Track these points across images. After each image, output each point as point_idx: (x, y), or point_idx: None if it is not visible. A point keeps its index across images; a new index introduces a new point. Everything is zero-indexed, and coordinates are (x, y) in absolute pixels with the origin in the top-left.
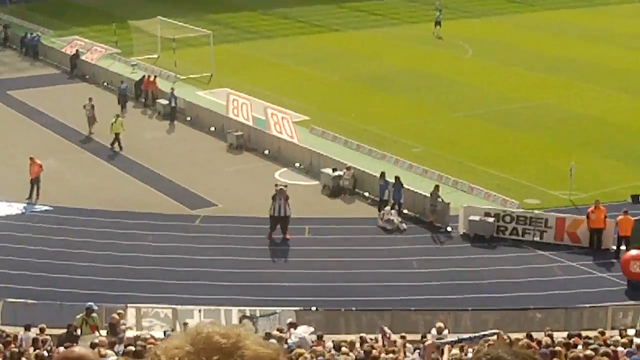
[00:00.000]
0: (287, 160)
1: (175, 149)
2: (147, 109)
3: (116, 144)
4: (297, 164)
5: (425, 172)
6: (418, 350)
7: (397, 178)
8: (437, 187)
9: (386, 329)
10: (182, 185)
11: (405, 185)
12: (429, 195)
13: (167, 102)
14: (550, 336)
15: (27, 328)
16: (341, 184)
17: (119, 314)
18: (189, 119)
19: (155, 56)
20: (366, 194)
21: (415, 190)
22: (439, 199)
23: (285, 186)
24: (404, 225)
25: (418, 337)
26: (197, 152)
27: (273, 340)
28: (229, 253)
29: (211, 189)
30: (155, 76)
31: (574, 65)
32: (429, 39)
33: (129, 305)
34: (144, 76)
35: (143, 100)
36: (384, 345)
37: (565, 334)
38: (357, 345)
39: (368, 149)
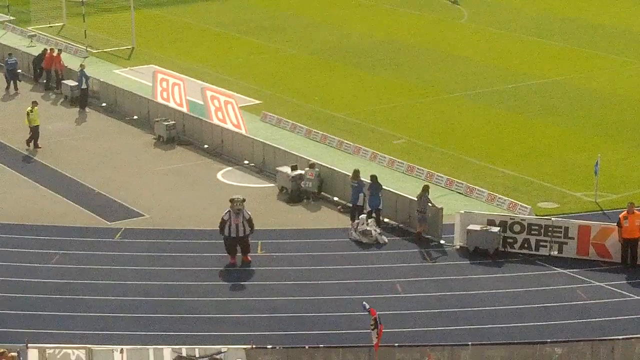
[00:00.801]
0: (233, 157)
1: (88, 144)
2: (50, 93)
3: (32, 142)
4: (246, 162)
5: (411, 169)
6: None
7: (373, 178)
8: (426, 188)
9: None
10: (97, 191)
11: (385, 187)
12: (415, 199)
13: (75, 83)
14: None
15: None
16: (303, 187)
17: (12, 356)
18: (104, 104)
19: (60, 24)
20: (335, 198)
21: (398, 193)
22: (429, 204)
23: (244, 200)
24: (384, 238)
25: None
26: (116, 148)
27: None
28: (158, 276)
29: (135, 195)
30: (59, 50)
31: (598, 32)
32: (413, 0)
33: (29, 345)
34: (45, 50)
35: (44, 81)
36: None
37: None
38: None
39: (337, 140)
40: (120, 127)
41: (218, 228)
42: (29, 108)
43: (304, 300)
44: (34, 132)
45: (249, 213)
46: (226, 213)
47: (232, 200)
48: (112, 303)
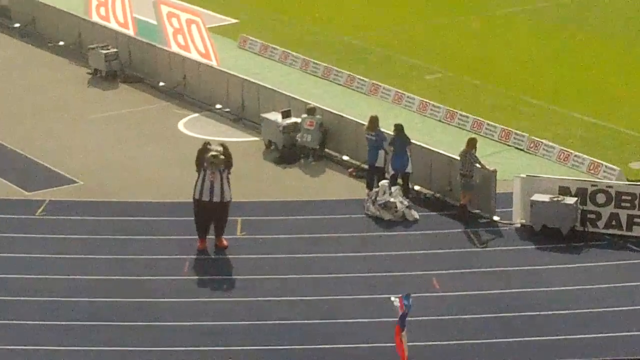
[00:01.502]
0: (200, 99)
1: None
2: None
3: None
4: (218, 106)
5: (451, 115)
6: None
7: (399, 128)
8: (472, 142)
9: None
10: (11, 149)
11: (414, 141)
12: (457, 157)
13: None
14: None
15: None
16: (299, 141)
17: None
18: (17, 25)
19: None
20: (345, 157)
21: (433, 150)
22: (477, 165)
23: (222, 152)
24: (415, 214)
25: None
26: (34, 87)
27: None
28: (96, 269)
29: (63, 153)
30: None
31: None
32: None
33: None
34: None
35: None
36: None
37: None
38: None
39: (346, 75)
40: (40, 57)
41: (196, 164)
42: None
43: (301, 302)
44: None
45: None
46: (198, 159)
47: (207, 146)
48: (31, 307)
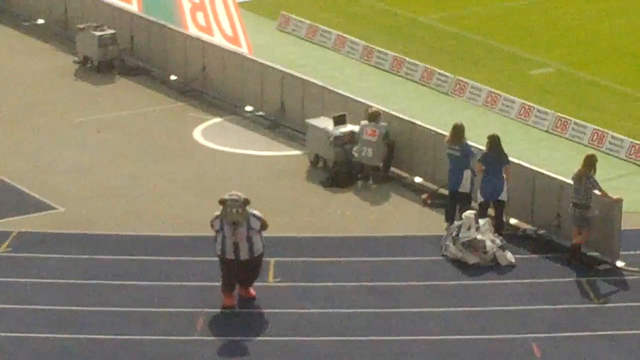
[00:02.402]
0: (224, 99)
1: None
2: None
3: None
4: (249, 108)
5: (563, 124)
6: None
7: (494, 141)
8: (590, 162)
9: None
10: None
11: (512, 158)
12: (571, 181)
13: None
14: None
15: None
16: (356, 156)
17: None
18: None
19: None
20: (417, 179)
21: (536, 170)
22: (596, 191)
23: (246, 202)
24: (510, 256)
25: None
26: (5, 80)
27: None
28: (81, 325)
29: (40, 171)
30: None
31: None
32: None
33: None
34: None
35: None
36: None
37: None
38: None
39: (422, 68)
40: (12, 40)
41: (210, 228)
42: None
43: None
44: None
45: (259, 216)
46: (215, 218)
47: (223, 203)
48: None
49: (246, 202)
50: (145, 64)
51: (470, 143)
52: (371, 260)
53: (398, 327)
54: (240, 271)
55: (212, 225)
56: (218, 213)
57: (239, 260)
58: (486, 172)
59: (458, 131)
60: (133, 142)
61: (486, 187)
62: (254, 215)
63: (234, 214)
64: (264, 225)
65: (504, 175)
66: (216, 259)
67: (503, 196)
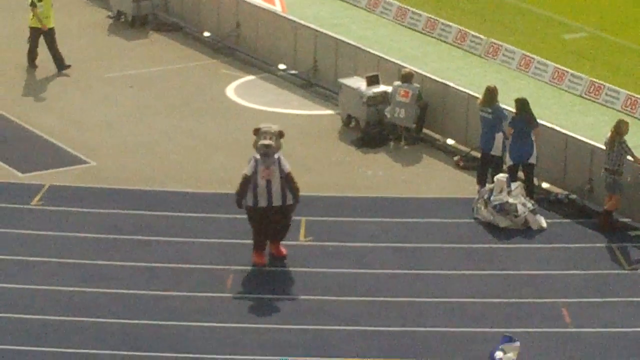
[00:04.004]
0: (257, 56)
1: None
2: None
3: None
4: (282, 66)
5: (595, 89)
6: None
7: (522, 104)
8: (622, 126)
9: None
10: (3, 116)
11: (543, 122)
12: (603, 146)
13: None
14: None
15: None
16: (389, 117)
17: None
18: None
19: None
20: (449, 141)
21: (568, 134)
22: (629, 157)
23: (280, 134)
24: (541, 220)
25: None
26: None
27: None
28: (112, 279)
29: (72, 124)
30: None
31: None
32: None
33: None
34: None
35: None
36: None
37: None
38: None
39: (455, 30)
40: None
41: (235, 193)
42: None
43: (380, 334)
44: (41, 38)
45: (288, 166)
46: (250, 163)
47: (257, 132)
48: (25, 325)
49: (280, 133)
50: (179, 20)
51: (503, 106)
52: (402, 221)
53: (426, 289)
54: (272, 221)
55: (244, 175)
56: (251, 158)
57: (271, 206)
58: (515, 136)
59: (491, 94)
60: (165, 99)
61: (515, 150)
62: (285, 162)
63: (267, 141)
64: (291, 179)
65: (533, 138)
66: (246, 216)
67: (532, 159)
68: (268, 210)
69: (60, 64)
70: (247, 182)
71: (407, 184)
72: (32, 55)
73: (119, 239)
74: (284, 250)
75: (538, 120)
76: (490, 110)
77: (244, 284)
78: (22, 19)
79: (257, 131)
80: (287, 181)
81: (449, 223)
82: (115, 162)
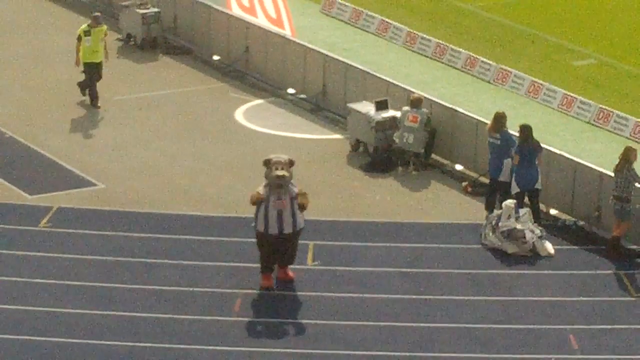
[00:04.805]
0: (268, 80)
1: None
2: None
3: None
4: (291, 90)
5: (604, 116)
6: None
7: (526, 131)
8: (630, 153)
9: None
10: (12, 138)
11: (551, 149)
12: (611, 173)
13: None
14: None
15: None
16: (397, 142)
17: None
18: None
19: None
20: (457, 167)
21: (577, 161)
22: (637, 184)
23: (291, 163)
24: (549, 247)
25: None
26: (46, 56)
27: None
28: (119, 303)
29: (80, 147)
30: None
31: None
32: None
33: None
34: None
35: None
36: None
37: None
38: None
39: (465, 56)
40: (53, 15)
41: (252, 204)
42: (84, 27)
43: (391, 358)
44: (91, 74)
45: (296, 188)
46: (264, 186)
47: (268, 163)
48: (31, 347)
49: (291, 162)
50: (188, 44)
51: (511, 132)
52: (409, 246)
53: (434, 314)
54: (281, 247)
55: (254, 199)
56: (262, 186)
57: (282, 234)
58: (521, 162)
59: (499, 120)
60: (174, 122)
61: (522, 177)
62: (294, 187)
63: (279, 172)
64: (305, 204)
65: (538, 164)
66: (253, 240)
67: (538, 185)
68: (279, 237)
69: (94, 101)
70: (259, 203)
71: (415, 209)
72: (84, 86)
73: (126, 261)
74: (291, 274)
75: (542, 145)
76: (498, 136)
77: (251, 307)
78: (40, 40)
79: (267, 162)
80: (298, 205)
81: (457, 248)
82: (123, 184)
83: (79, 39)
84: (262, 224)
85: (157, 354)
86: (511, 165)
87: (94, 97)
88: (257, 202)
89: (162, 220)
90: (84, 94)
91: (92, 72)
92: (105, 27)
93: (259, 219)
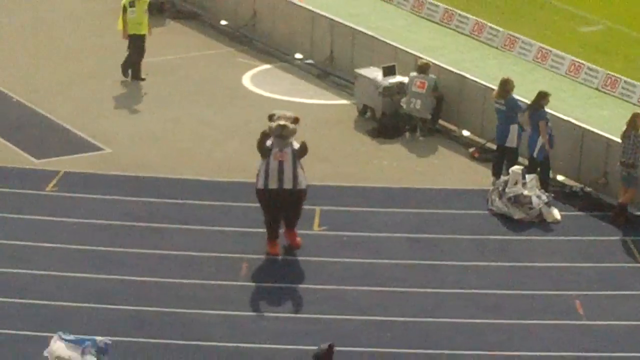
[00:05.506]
0: (274, 45)
1: None
2: None
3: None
4: (299, 55)
5: (612, 82)
6: None
7: (540, 97)
8: (637, 119)
9: None
10: (19, 102)
11: (558, 115)
12: (618, 140)
13: None
14: None
15: None
16: (405, 107)
17: None
18: None
19: None
20: (465, 132)
21: (585, 127)
22: None
23: (295, 120)
24: (556, 213)
25: None
26: (55, 20)
27: None
28: (125, 267)
29: (87, 111)
30: None
31: None
32: None
33: None
34: None
35: None
36: None
37: None
38: None
39: (472, 21)
40: None
41: (257, 147)
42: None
43: (393, 324)
44: (135, 50)
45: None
46: (265, 136)
47: (272, 117)
48: (37, 310)
49: (296, 119)
50: (196, 8)
51: (518, 97)
52: (416, 212)
53: (440, 279)
54: (282, 205)
55: (260, 146)
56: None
57: (282, 188)
58: (532, 128)
59: (504, 85)
60: (181, 87)
61: (533, 142)
62: (295, 142)
63: (281, 122)
64: (304, 148)
65: (551, 129)
66: (258, 205)
67: (550, 149)
68: (278, 192)
69: (136, 74)
70: (266, 137)
71: (422, 174)
72: (127, 65)
73: (132, 226)
74: (299, 240)
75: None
76: (503, 102)
77: (257, 272)
78: (42, 9)
79: (271, 116)
80: (299, 155)
81: (464, 214)
82: (130, 149)
83: (124, 9)
84: (262, 179)
85: (163, 318)
86: (518, 131)
87: (138, 72)
88: (261, 137)
89: (168, 185)
90: (125, 75)
91: (137, 44)
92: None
93: (260, 176)
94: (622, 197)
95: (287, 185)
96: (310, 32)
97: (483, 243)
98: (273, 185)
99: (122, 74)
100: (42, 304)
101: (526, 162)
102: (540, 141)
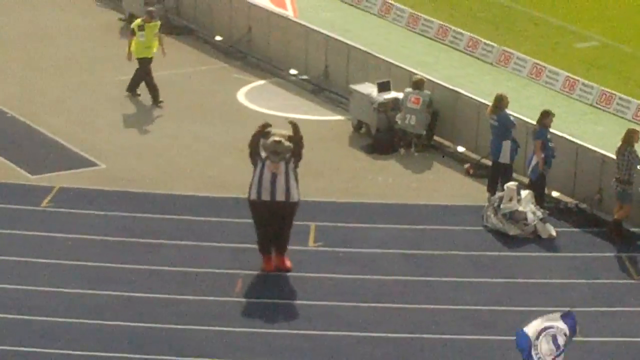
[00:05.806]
0: (270, 61)
1: None
2: None
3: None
4: (293, 71)
5: (607, 99)
6: None
7: (542, 115)
8: (632, 135)
9: None
10: (13, 118)
11: (553, 131)
12: (613, 156)
13: None
14: None
15: None
16: (399, 123)
17: None
18: None
19: None
20: (460, 148)
21: (579, 143)
22: (638, 166)
23: (289, 139)
24: (550, 229)
25: None
26: (49, 36)
27: None
28: (120, 283)
29: (82, 127)
30: None
31: None
32: None
33: None
34: None
35: None
36: None
37: None
38: None
39: (467, 38)
40: None
41: (249, 146)
42: (139, 20)
43: (388, 340)
44: (142, 73)
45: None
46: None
47: (267, 134)
48: (32, 327)
49: (290, 138)
50: (191, 24)
51: (512, 113)
52: (411, 228)
53: (435, 296)
54: (274, 219)
55: (252, 154)
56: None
57: (274, 201)
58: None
59: (498, 101)
60: (176, 102)
61: (528, 159)
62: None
63: (277, 139)
64: (299, 144)
65: (551, 146)
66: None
67: (546, 169)
68: (271, 204)
69: (132, 88)
70: (258, 136)
71: (417, 190)
72: (134, 85)
73: (127, 241)
74: (288, 263)
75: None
76: (496, 118)
77: (252, 288)
78: (41, 19)
79: (267, 133)
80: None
81: (459, 230)
82: (125, 164)
83: (133, 33)
84: (255, 190)
85: (159, 334)
86: (511, 147)
87: (154, 92)
88: (253, 149)
89: (163, 201)
90: (132, 95)
91: (146, 67)
92: (159, 22)
93: (253, 187)
94: (617, 214)
95: (280, 197)
96: (305, 48)
97: (478, 259)
98: (266, 197)
99: (129, 92)
100: (36, 319)
101: (527, 180)
102: (535, 160)
